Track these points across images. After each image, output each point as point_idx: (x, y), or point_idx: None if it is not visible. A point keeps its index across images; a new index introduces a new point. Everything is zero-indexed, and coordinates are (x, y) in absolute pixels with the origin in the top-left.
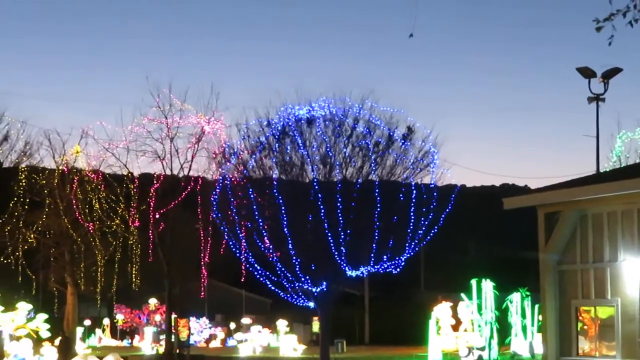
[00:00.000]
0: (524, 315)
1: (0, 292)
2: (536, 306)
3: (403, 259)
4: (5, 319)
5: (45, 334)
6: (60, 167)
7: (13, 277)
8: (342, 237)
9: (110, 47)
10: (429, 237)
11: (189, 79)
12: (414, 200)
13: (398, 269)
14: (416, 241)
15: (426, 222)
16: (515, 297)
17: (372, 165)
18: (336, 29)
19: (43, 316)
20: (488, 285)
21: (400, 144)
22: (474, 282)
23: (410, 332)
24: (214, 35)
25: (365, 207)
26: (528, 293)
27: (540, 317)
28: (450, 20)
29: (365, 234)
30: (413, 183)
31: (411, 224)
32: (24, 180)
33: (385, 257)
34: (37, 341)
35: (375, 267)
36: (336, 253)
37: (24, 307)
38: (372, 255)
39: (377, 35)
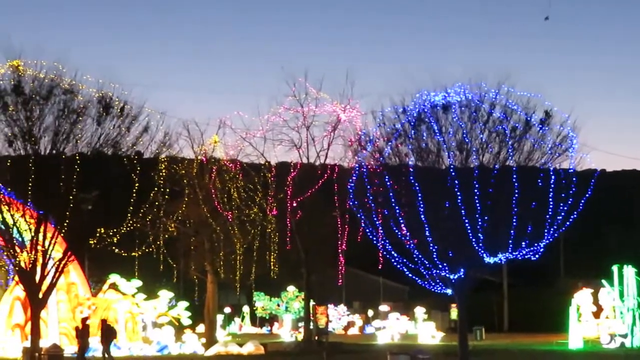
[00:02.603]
0: None
1: (142, 281)
2: None
3: (542, 245)
4: (148, 307)
5: (186, 321)
6: (199, 157)
7: (154, 266)
8: (480, 223)
9: (246, 36)
10: (568, 223)
11: (324, 67)
12: (552, 185)
13: (537, 255)
14: (555, 227)
15: (565, 208)
16: None
17: (510, 150)
18: (469, 16)
19: (184, 304)
20: (630, 272)
21: (538, 128)
22: (615, 268)
23: (550, 319)
24: (349, 23)
25: (502, 193)
26: None
27: None
28: (586, 3)
29: (503, 221)
30: (551, 168)
31: (550, 210)
32: (163, 171)
33: (523, 243)
34: (179, 328)
35: (514, 253)
36: (474, 240)
37: (165, 295)
38: (510, 241)
39: (512, 20)
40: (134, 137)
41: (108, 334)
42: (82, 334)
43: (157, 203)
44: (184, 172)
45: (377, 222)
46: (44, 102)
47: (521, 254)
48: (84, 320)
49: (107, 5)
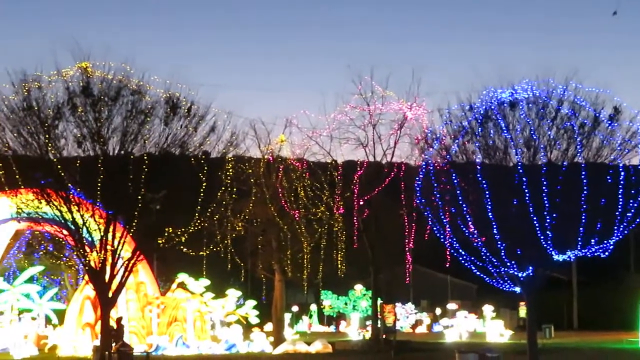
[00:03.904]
0: None
1: (210, 280)
2: None
3: (612, 242)
4: (216, 306)
5: (254, 320)
6: (266, 156)
7: (222, 265)
8: (548, 221)
9: (312, 36)
10: (638, 220)
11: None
12: (622, 182)
13: (606, 253)
14: (625, 224)
15: (635, 204)
16: None
17: (578, 147)
18: (537, 12)
19: (252, 303)
20: None
21: (607, 124)
22: None
23: (620, 317)
24: (415, 22)
25: (571, 190)
26: None
27: None
28: None
29: (572, 218)
30: (621, 164)
31: (620, 207)
32: (230, 170)
33: (593, 240)
34: (247, 327)
35: (583, 250)
36: (542, 237)
37: (233, 294)
38: (579, 239)
39: (580, 16)
40: (201, 137)
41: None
42: (117, 334)
43: (224, 202)
44: (250, 171)
45: (445, 220)
46: (112, 103)
47: (590, 251)
48: (119, 320)
49: (174, 7)
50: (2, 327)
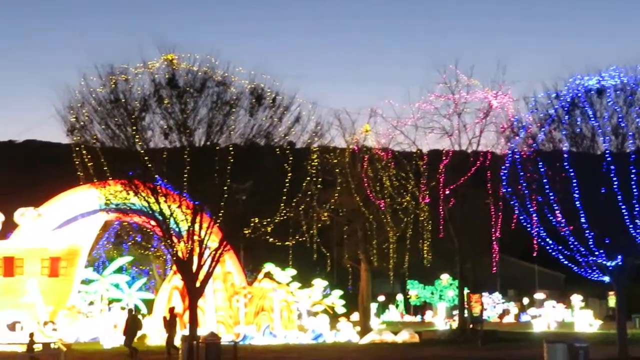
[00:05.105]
0: None
1: (296, 270)
2: None
3: None
4: (302, 296)
5: (340, 309)
6: (351, 146)
7: (308, 254)
8: (637, 209)
9: (395, 27)
10: None
11: (474, 56)
12: None
13: None
14: None
15: None
16: None
17: None
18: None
19: (338, 292)
20: None
21: None
22: None
23: None
24: (498, 12)
25: None
26: None
27: None
28: None
29: None
30: None
31: None
32: (316, 160)
33: None
34: (333, 317)
35: None
36: (631, 226)
37: (319, 283)
38: None
39: None
40: (286, 127)
41: (133, 325)
42: (170, 324)
43: (309, 192)
44: (336, 161)
45: (531, 209)
46: (198, 95)
47: None
48: (172, 310)
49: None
50: (92, 317)
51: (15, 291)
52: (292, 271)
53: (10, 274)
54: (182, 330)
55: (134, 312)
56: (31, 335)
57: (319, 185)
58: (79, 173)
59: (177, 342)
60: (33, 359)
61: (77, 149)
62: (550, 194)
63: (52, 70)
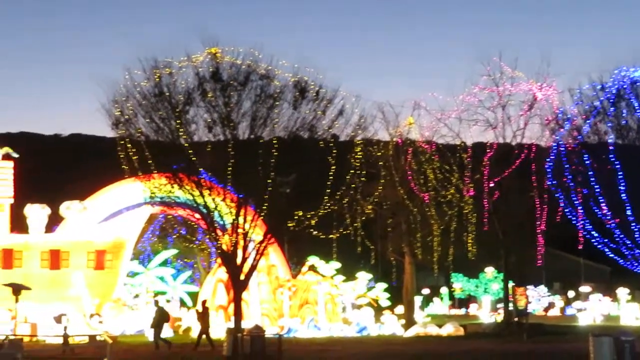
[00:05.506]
0: None
1: (340, 263)
2: None
3: None
4: (347, 288)
5: (385, 302)
6: (394, 139)
7: (352, 247)
8: None
9: (438, 21)
10: None
11: (518, 47)
12: None
13: None
14: None
15: None
16: None
17: None
18: None
19: (382, 285)
20: None
21: None
22: None
23: None
24: (545, 5)
25: None
26: None
27: None
28: None
29: None
30: None
31: None
32: (359, 153)
33: None
34: (378, 310)
35: None
36: None
37: (363, 276)
38: None
39: None
40: (330, 120)
41: (161, 318)
42: (203, 316)
43: (353, 185)
44: (379, 154)
45: (577, 202)
46: (242, 88)
47: None
48: (204, 302)
49: None
50: (138, 310)
51: (61, 284)
52: (336, 264)
53: (57, 266)
54: (226, 323)
55: (160, 305)
56: (65, 328)
57: (362, 178)
58: (123, 166)
59: (213, 334)
60: (66, 352)
61: (122, 142)
62: (596, 186)
63: (98, 65)
